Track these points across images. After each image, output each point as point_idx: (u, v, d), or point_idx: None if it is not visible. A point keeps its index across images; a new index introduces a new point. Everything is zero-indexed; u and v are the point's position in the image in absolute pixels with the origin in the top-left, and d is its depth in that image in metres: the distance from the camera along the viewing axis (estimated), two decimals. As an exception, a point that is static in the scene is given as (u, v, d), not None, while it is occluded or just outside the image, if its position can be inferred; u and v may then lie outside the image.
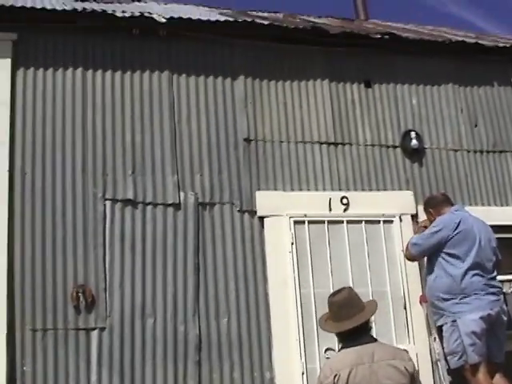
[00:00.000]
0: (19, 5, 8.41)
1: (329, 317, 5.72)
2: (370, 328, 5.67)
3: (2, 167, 7.83)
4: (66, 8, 8.59)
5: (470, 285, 7.14)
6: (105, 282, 7.79)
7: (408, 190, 9.20)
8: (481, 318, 7.06)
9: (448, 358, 7.43)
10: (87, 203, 7.96)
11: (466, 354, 7.10)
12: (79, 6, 8.96)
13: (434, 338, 8.06)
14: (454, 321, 7.15)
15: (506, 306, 7.64)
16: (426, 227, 7.94)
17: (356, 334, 5.43)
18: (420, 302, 8.58)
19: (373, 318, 5.76)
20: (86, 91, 8.34)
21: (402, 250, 8.54)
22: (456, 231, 7.29)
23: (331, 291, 6.36)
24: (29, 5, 8.50)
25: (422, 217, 8.56)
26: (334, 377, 5.22)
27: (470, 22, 33.08)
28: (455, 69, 10.11)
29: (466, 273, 7.17)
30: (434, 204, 7.97)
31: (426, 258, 7.92)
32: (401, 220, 8.91)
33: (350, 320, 5.45)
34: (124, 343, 7.71)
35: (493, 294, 7.23)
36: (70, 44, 8.45)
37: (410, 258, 7.88)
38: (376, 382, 5.16)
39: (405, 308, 8.61)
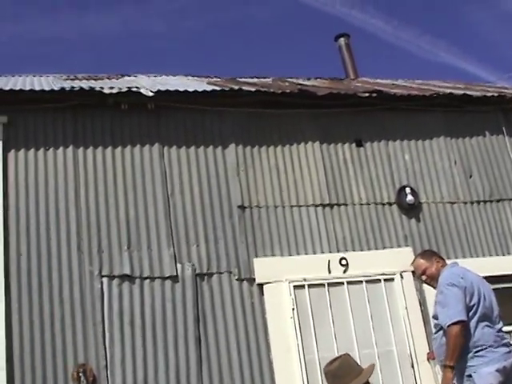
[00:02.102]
0: (8, 88, 8.49)
1: None
2: (370, 392, 5.56)
3: (-3, 250, 7.81)
4: (54, 88, 8.66)
5: (482, 337, 6.91)
6: (105, 360, 7.70)
7: (407, 246, 9.15)
8: (497, 370, 6.84)
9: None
10: (84, 281, 7.93)
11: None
12: (67, 84, 9.04)
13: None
14: (470, 375, 6.96)
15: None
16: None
17: (355, 400, 5.33)
18: (428, 359, 8.45)
19: (374, 381, 5.63)
20: (78, 168, 8.36)
21: (406, 308, 8.43)
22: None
23: (336, 355, 6.26)
24: (18, 87, 8.60)
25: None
26: None
27: (463, 69, 33.37)
28: (446, 121, 10.15)
29: (477, 325, 6.96)
30: (441, 256, 7.81)
31: (431, 315, 7.76)
32: (402, 277, 8.84)
33: None
34: (128, 422, 7.61)
35: (504, 345, 7.01)
36: (59, 123, 8.51)
37: (460, 332, 6.99)
38: None
39: (412, 366, 8.50)
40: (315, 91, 9.66)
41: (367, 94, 9.70)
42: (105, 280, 7.98)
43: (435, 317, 6.72)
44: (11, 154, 8.24)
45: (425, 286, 8.05)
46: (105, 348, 7.75)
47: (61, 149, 8.39)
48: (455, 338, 6.30)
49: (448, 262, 7.19)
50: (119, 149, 8.58)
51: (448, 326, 6.32)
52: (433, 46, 39.35)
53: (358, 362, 5.68)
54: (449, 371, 6.19)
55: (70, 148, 8.41)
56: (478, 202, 9.83)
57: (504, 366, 6.83)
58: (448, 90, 10.79)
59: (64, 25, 33.19)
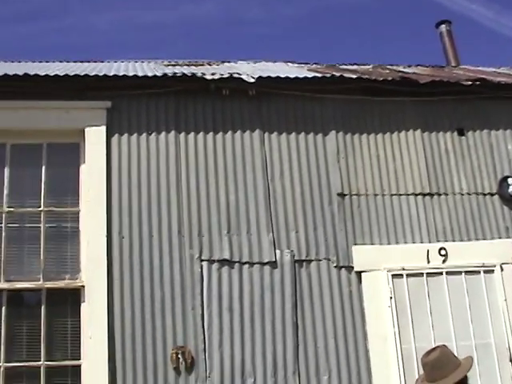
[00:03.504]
0: (112, 73, 8.69)
1: (424, 377, 5.55)
2: (468, 385, 5.45)
3: (100, 232, 8.01)
4: (157, 74, 8.80)
5: None
6: (204, 343, 7.82)
7: (508, 238, 8.95)
8: None
9: None
10: (184, 265, 8.05)
11: None
12: (169, 70, 9.18)
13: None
14: None
15: None
16: None
17: (453, 393, 5.24)
18: (527, 354, 8.30)
19: (470, 373, 5.53)
20: (179, 153, 8.48)
21: (505, 300, 8.29)
22: None
23: (433, 345, 6.20)
24: (121, 73, 8.78)
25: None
26: None
27: None
28: (551, 110, 9.86)
29: None
30: None
31: None
32: (502, 269, 8.66)
33: (444, 379, 5.26)
34: (225, 404, 7.71)
35: None
36: (161, 108, 8.64)
37: None
38: None
39: (511, 360, 8.34)
40: (417, 79, 9.52)
41: (470, 83, 9.52)
42: (204, 264, 8.09)
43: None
44: (114, 139, 8.41)
45: (527, 278, 7.88)
46: (203, 331, 7.86)
47: (163, 133, 8.52)
48: None
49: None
50: (220, 134, 8.66)
51: None
52: (536, 31, 38.19)
53: (456, 354, 5.59)
54: None
55: (172, 133, 8.54)
56: None
57: None
58: (554, 78, 10.50)
59: (163, 11, 33.63)
